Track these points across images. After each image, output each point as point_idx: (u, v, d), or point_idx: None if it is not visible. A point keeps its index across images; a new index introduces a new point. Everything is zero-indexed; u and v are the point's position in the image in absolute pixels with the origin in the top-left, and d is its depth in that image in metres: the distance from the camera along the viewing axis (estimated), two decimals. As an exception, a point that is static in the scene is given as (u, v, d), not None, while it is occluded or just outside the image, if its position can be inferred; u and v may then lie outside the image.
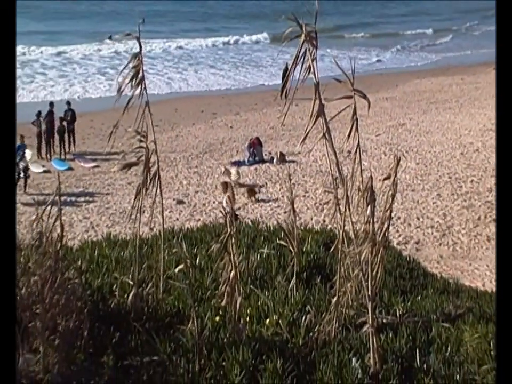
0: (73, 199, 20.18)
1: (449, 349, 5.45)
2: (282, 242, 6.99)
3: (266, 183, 21.68)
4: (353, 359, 5.10)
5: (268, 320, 5.77)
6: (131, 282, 5.91)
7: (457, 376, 5.02)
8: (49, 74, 43.62)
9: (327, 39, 55.04)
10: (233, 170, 21.64)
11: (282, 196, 19.66)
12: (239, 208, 18.77)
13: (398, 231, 16.91)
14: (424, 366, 5.17)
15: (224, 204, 16.34)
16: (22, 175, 20.61)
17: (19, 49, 48.91)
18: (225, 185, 16.54)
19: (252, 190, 19.86)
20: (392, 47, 58.56)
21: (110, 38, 57.32)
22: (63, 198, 5.62)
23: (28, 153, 21.85)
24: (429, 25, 71.63)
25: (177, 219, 18.05)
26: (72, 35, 59.19)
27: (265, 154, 24.61)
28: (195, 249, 7.80)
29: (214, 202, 18.99)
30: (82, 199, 20.43)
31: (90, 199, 20.53)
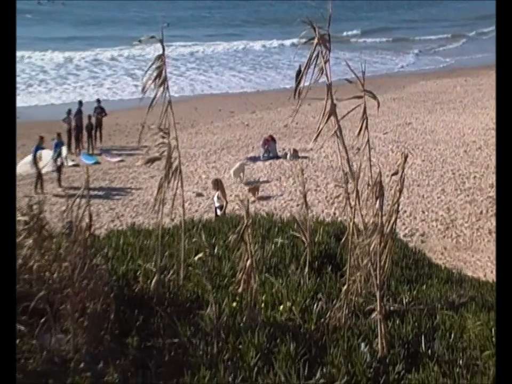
0: (100, 192, 20.26)
1: (452, 335, 5.42)
2: (295, 233, 6.99)
3: (280, 178, 21.63)
4: (362, 344, 5.09)
5: (281, 307, 5.77)
6: (154, 269, 5.94)
7: (460, 361, 4.99)
8: (80, 76, 43.76)
9: (343, 43, 54.75)
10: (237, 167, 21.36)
11: (295, 190, 19.61)
12: (254, 202, 18.76)
13: (404, 223, 16.81)
14: (429, 351, 5.14)
15: (215, 199, 16.15)
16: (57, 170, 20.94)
17: (54, 53, 49.36)
18: (216, 182, 16.33)
19: (254, 189, 19.85)
20: (407, 51, 57.69)
21: (139, 41, 57.01)
22: (90, 190, 5.68)
23: (64, 150, 22.11)
24: (444, 31, 70.16)
25: (197, 211, 18.07)
26: (102, 40, 59.22)
27: (279, 151, 24.55)
28: (213, 239, 7.81)
29: (230, 195, 18.94)
30: (108, 191, 20.52)
31: (116, 191, 20.61)
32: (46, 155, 20.86)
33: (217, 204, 15.90)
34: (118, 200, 19.65)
